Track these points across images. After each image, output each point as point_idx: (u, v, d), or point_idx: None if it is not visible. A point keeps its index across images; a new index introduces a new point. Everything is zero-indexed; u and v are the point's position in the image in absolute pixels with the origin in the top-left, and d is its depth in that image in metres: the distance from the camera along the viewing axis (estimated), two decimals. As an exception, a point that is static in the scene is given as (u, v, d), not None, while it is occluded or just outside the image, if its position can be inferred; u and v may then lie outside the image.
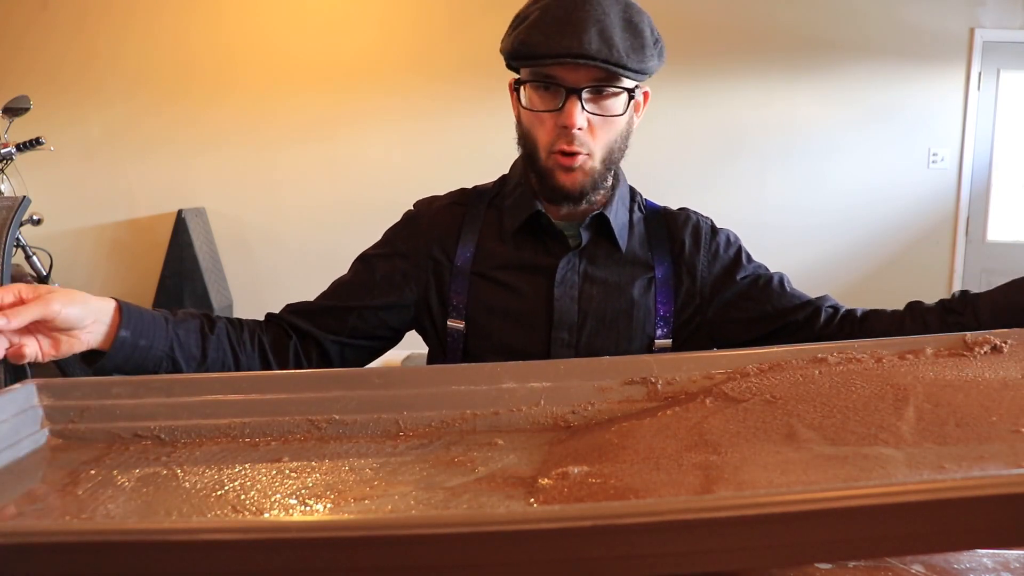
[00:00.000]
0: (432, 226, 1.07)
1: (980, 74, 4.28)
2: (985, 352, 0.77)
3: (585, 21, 0.91)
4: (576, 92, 0.93)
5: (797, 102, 4.30)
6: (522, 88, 0.99)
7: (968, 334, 0.80)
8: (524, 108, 0.99)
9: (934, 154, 4.35)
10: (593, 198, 1.01)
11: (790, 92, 4.29)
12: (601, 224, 1.04)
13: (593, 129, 0.96)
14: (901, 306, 1.00)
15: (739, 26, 4.23)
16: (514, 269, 1.04)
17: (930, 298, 1.01)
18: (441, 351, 1.07)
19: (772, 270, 1.09)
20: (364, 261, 1.08)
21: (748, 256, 1.09)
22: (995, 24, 4.26)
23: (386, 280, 1.05)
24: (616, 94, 0.96)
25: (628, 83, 0.96)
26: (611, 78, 0.94)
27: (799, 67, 4.27)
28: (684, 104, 4.21)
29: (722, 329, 1.06)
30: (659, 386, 0.79)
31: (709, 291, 1.06)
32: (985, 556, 0.64)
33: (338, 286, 1.07)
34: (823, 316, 1.02)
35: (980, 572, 0.62)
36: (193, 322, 0.94)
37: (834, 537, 0.43)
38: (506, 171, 1.11)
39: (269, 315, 1.05)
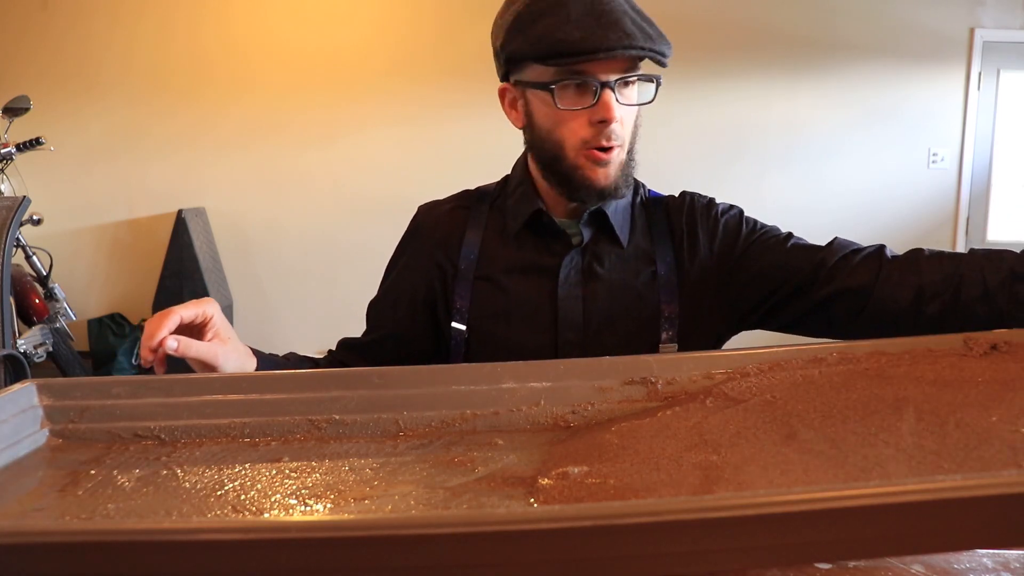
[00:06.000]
0: (435, 231, 1.08)
1: (980, 74, 4.28)
2: (985, 352, 0.77)
3: (615, 11, 0.91)
4: (609, 85, 0.92)
5: (797, 102, 4.30)
6: (542, 90, 0.95)
7: (968, 334, 0.80)
8: (559, 109, 0.94)
9: (934, 154, 4.35)
10: (624, 190, 0.99)
11: (790, 92, 4.29)
12: (601, 219, 1.03)
13: (622, 121, 0.96)
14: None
15: (739, 26, 4.23)
16: (517, 271, 1.03)
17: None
18: (445, 351, 1.06)
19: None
20: (385, 282, 1.12)
21: (752, 222, 1.06)
22: (995, 24, 4.26)
23: (408, 303, 1.08)
24: (645, 81, 0.96)
25: (654, 69, 0.96)
26: (635, 67, 0.94)
27: (799, 67, 4.27)
28: (684, 105, 4.21)
29: (737, 294, 1.02)
30: (659, 386, 0.79)
31: (716, 266, 1.03)
32: (985, 556, 0.64)
33: (373, 313, 1.11)
34: (852, 259, 0.99)
35: (980, 572, 0.62)
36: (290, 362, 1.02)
37: (834, 537, 0.43)
38: (508, 171, 1.11)
39: (331, 351, 1.11)
